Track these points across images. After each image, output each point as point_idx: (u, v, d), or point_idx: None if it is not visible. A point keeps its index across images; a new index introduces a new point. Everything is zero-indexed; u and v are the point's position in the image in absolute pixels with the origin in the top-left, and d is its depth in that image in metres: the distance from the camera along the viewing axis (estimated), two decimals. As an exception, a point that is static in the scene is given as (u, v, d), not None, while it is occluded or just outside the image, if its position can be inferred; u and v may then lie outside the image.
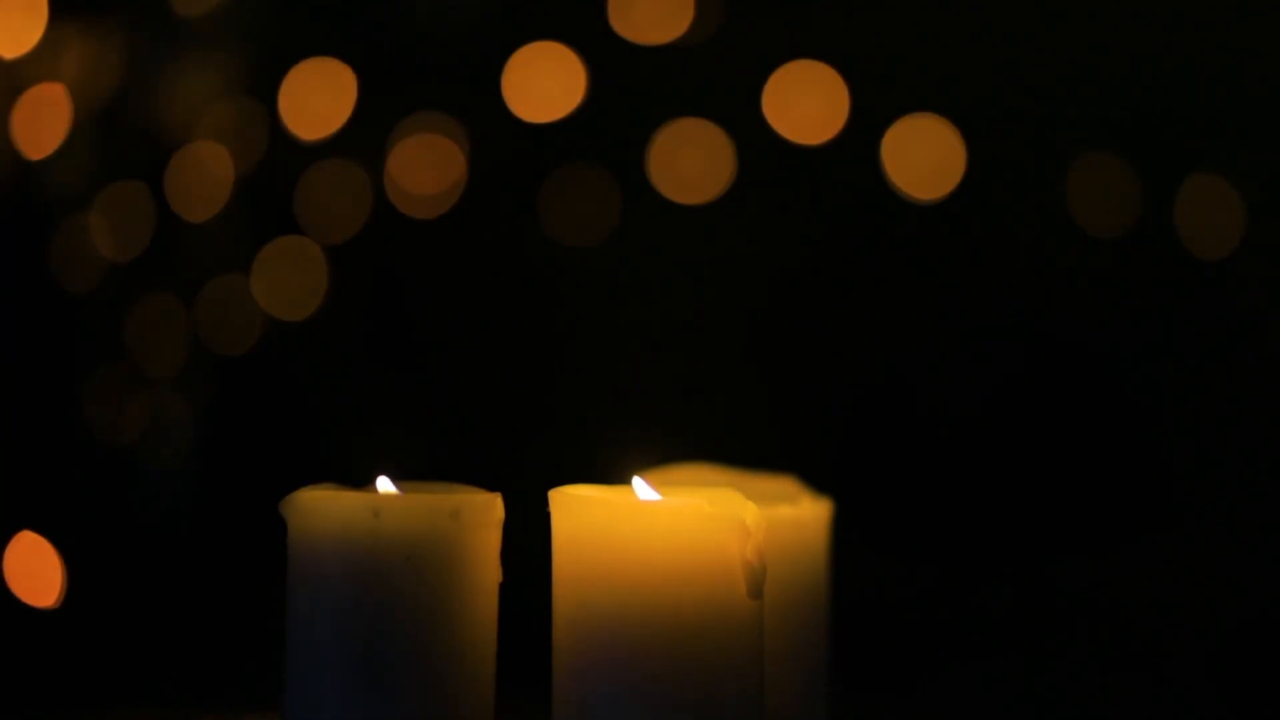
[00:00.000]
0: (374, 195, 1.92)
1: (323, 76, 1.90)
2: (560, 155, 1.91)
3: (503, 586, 1.10)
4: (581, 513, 1.05)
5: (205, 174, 1.89)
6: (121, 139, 1.88)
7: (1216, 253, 1.85)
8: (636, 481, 1.08)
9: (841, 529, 1.26)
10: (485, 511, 1.08)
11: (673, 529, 1.03)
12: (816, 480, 1.28)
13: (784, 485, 1.26)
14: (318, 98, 1.90)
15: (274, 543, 1.10)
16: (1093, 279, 1.88)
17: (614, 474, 1.11)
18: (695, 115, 1.89)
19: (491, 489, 1.10)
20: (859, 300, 1.92)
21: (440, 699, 1.06)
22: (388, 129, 1.91)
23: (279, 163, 1.90)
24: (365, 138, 1.91)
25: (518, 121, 1.90)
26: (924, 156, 1.86)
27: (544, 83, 1.90)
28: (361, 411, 1.94)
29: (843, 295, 1.92)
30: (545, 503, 1.07)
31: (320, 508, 1.06)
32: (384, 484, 1.11)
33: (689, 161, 1.89)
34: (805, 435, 1.90)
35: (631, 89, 1.90)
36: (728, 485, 1.13)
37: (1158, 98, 1.86)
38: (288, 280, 1.91)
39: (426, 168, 1.92)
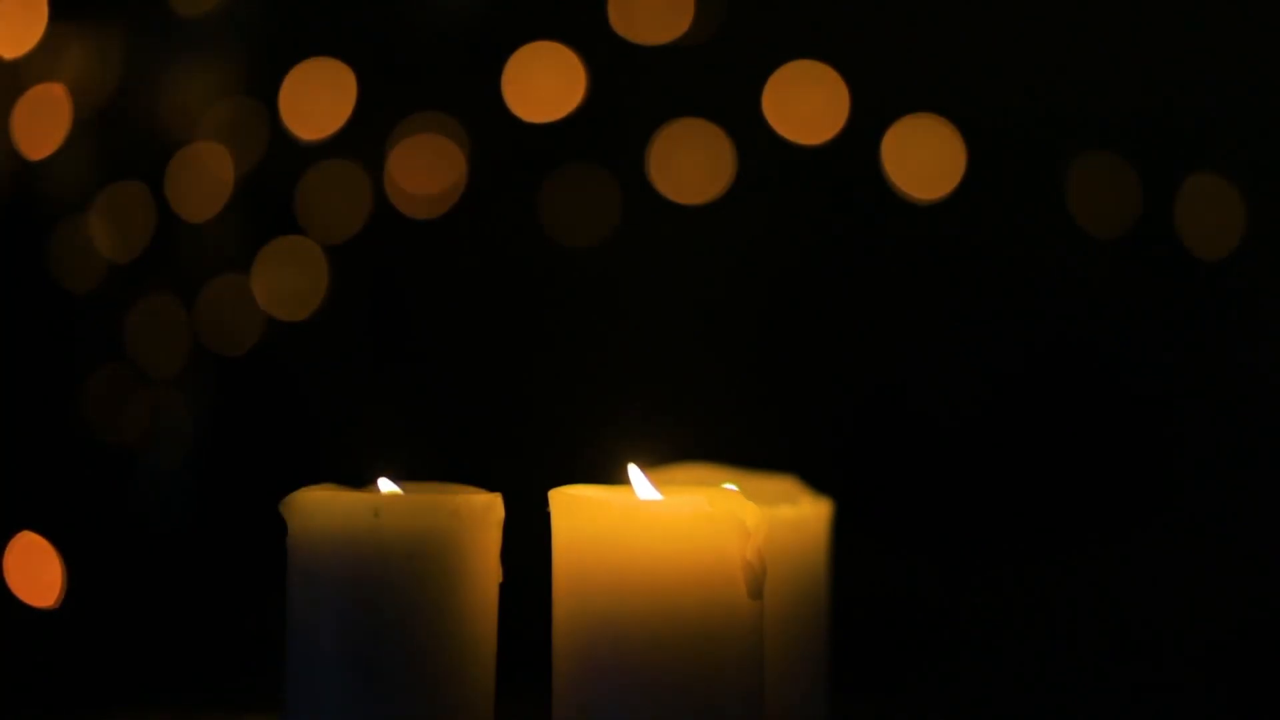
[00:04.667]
0: (374, 195, 1.92)
1: (323, 76, 1.90)
2: (560, 155, 1.91)
3: (503, 586, 1.10)
4: (581, 513, 1.05)
5: (205, 174, 1.89)
6: (121, 139, 1.88)
7: (1216, 253, 1.85)
8: (632, 469, 1.08)
9: (841, 529, 1.26)
10: (485, 511, 1.08)
11: (673, 529, 1.03)
12: (816, 480, 1.28)
13: (784, 485, 1.26)
14: (318, 98, 1.90)
15: (274, 543, 1.10)
16: (1093, 279, 1.88)
17: (614, 474, 1.11)
18: (695, 115, 1.89)
19: (491, 489, 1.10)
20: (859, 300, 1.92)
21: (440, 699, 1.06)
22: (388, 129, 1.91)
23: (279, 163, 1.90)
24: (365, 138, 1.91)
25: (518, 121, 1.90)
26: (924, 156, 1.86)
27: (544, 83, 1.90)
28: (361, 411, 1.94)
29: (842, 295, 1.92)
30: (545, 503, 1.07)
31: (320, 508, 1.06)
32: (385, 484, 1.11)
33: (689, 161, 1.89)
34: (806, 435, 1.90)
35: (631, 89, 1.90)
36: (728, 485, 1.13)
37: (1158, 98, 1.86)
38: (288, 280, 1.91)
39: (426, 168, 1.92)
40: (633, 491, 1.08)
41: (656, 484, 1.08)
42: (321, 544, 1.06)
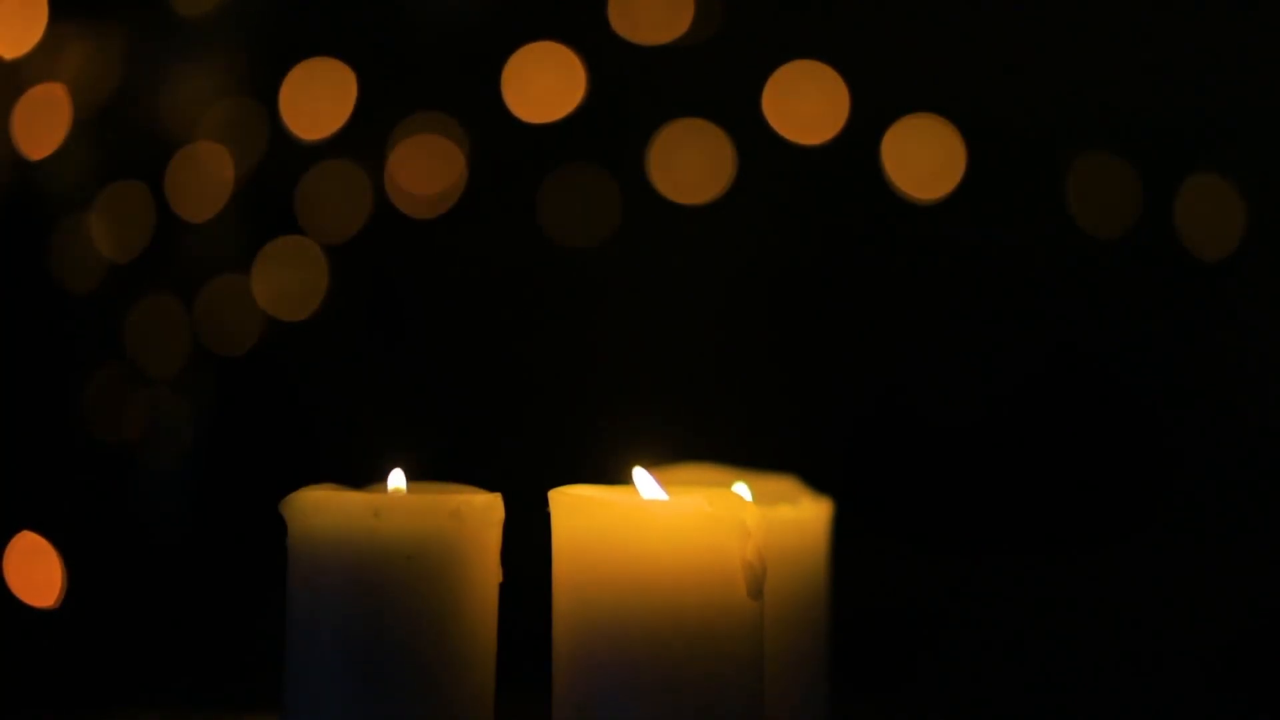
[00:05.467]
0: (374, 195, 1.92)
1: (323, 76, 1.90)
2: (560, 155, 1.91)
3: (503, 586, 1.10)
4: (581, 513, 1.05)
5: (205, 174, 1.89)
6: (121, 139, 1.88)
7: (1216, 253, 1.85)
8: (637, 471, 1.08)
9: (841, 529, 1.26)
10: (485, 511, 1.08)
11: (673, 529, 1.03)
12: (816, 480, 1.28)
13: (784, 485, 1.26)
14: (318, 98, 1.90)
15: (274, 543, 1.10)
16: (1093, 279, 1.88)
17: (614, 474, 1.11)
18: (695, 115, 1.89)
19: (491, 489, 1.10)
20: (858, 300, 1.92)
21: (440, 699, 1.06)
22: (388, 129, 1.91)
23: (279, 163, 1.90)
24: (365, 138, 1.91)
25: (518, 121, 1.90)
26: (924, 156, 1.86)
27: (544, 83, 1.90)
28: (361, 411, 1.94)
29: (842, 295, 1.92)
30: (545, 503, 1.07)
31: (320, 508, 1.06)
32: (397, 477, 1.11)
33: (689, 161, 1.89)
34: (806, 435, 1.90)
35: (631, 89, 1.90)
36: (728, 485, 1.13)
37: (1158, 98, 1.86)
38: (288, 280, 1.91)
39: (426, 168, 1.92)
40: (633, 491, 1.08)
41: (660, 485, 1.08)
42: (321, 544, 1.06)
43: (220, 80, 1.90)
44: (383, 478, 1.12)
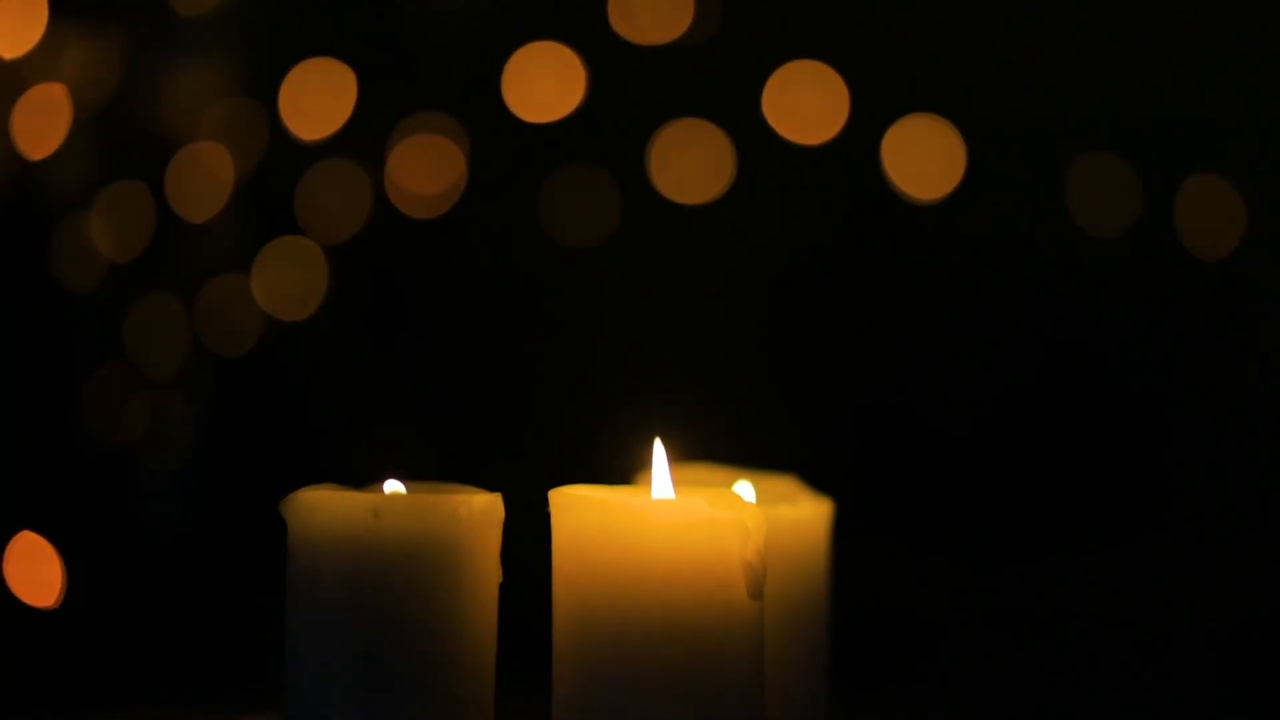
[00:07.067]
0: (374, 195, 1.92)
1: (323, 76, 1.90)
2: (560, 155, 1.91)
3: (503, 586, 1.10)
4: (581, 513, 1.05)
5: (205, 174, 1.89)
6: (121, 139, 1.88)
7: (1216, 253, 1.85)
8: (657, 445, 1.08)
9: (841, 529, 1.26)
10: (485, 511, 1.08)
11: (673, 529, 1.03)
12: (817, 480, 1.28)
13: (784, 485, 1.26)
14: (318, 98, 1.90)
15: (274, 543, 1.10)
16: (1093, 279, 1.88)
17: (614, 474, 1.11)
18: (695, 115, 1.89)
19: (491, 489, 1.10)
20: (858, 300, 1.92)
21: (440, 699, 1.06)
22: (388, 129, 1.91)
23: (279, 163, 1.90)
24: (365, 138, 1.91)
25: (518, 121, 1.90)
26: (924, 156, 1.86)
27: (544, 83, 1.90)
28: (361, 412, 1.94)
29: (842, 295, 1.92)
30: (546, 503, 1.07)
31: (320, 508, 1.06)
32: (391, 485, 1.11)
33: (689, 161, 1.89)
34: (806, 435, 1.90)
35: (631, 89, 1.90)
36: (729, 485, 1.13)
37: (1158, 98, 1.86)
38: (288, 280, 1.91)
39: (426, 168, 1.92)
40: (633, 491, 1.08)
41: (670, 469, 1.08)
42: (321, 544, 1.06)
43: (220, 80, 1.90)
44: (381, 480, 1.12)
